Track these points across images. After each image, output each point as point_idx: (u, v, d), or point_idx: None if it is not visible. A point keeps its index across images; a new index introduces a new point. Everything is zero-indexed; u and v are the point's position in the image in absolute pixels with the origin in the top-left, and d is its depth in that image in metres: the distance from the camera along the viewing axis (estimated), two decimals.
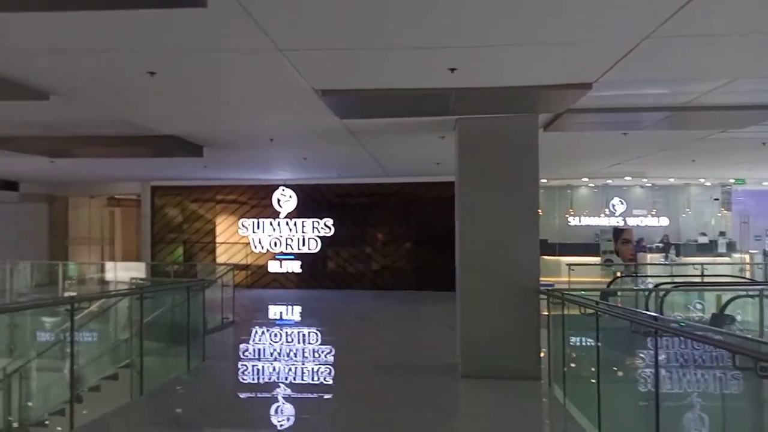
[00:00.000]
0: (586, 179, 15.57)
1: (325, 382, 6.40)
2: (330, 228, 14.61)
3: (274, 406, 5.46)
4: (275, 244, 14.77)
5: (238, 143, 8.64)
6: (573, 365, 5.67)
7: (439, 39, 3.87)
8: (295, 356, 7.76)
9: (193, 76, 4.78)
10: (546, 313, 6.19)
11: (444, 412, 5.39)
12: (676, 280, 10.52)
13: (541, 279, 6.20)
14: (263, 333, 9.45)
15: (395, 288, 14.22)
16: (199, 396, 6.02)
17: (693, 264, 11.39)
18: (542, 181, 14.90)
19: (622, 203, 16.10)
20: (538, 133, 6.23)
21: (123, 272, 12.59)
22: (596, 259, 14.58)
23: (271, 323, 10.74)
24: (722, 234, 15.44)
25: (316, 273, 14.79)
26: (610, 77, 4.70)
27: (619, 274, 12.65)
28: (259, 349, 8.29)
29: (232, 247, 15.11)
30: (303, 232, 14.68)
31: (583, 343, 5.68)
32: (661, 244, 15.31)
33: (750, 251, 15.02)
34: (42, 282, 13.56)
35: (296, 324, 10.85)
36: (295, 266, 14.74)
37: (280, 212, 14.77)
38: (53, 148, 8.79)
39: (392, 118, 6.35)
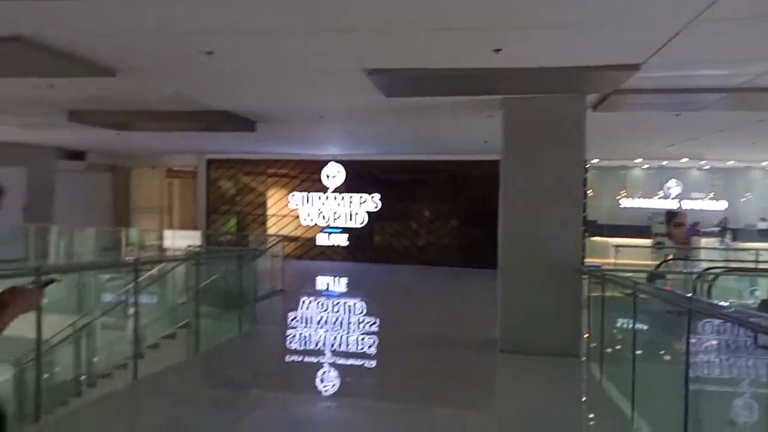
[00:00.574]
0: (640, 160, 15.15)
1: (368, 352, 6.68)
2: (377, 203, 14.85)
3: (319, 372, 5.78)
4: (323, 218, 15.15)
5: (289, 119, 8.92)
6: (613, 345, 5.72)
7: (484, 20, 3.94)
8: (340, 326, 8.08)
9: (248, 56, 5.02)
10: (588, 293, 6.24)
11: (482, 384, 5.57)
12: (730, 265, 10.22)
13: (588, 260, 6.23)
14: (310, 302, 9.84)
15: (439, 264, 14.38)
16: (250, 358, 6.42)
17: (749, 249, 11.01)
18: (593, 161, 14.63)
19: (678, 185, 15.60)
20: (585, 113, 6.19)
21: (180, 240, 13.24)
22: (646, 242, 14.26)
23: (317, 293, 11.14)
24: None
25: (363, 247, 15.10)
26: (660, 58, 4.64)
27: (669, 257, 12.36)
28: (306, 317, 8.67)
29: (282, 219, 15.59)
30: (351, 206, 14.99)
31: (624, 325, 5.72)
32: (716, 229, 14.80)
33: None
34: (106, 247, 14.41)
35: (342, 295, 11.20)
36: (342, 240, 15.10)
37: (328, 187, 15.11)
38: (117, 122, 9.29)
39: (438, 96, 6.43)
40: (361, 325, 8.15)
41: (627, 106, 6.67)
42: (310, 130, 10.12)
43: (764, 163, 14.87)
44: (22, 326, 2.13)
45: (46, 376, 4.75)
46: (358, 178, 14.97)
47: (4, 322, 1.63)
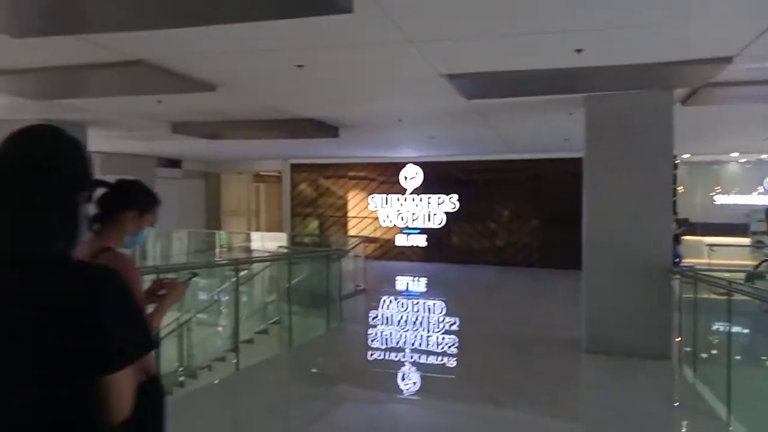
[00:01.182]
0: (736, 154, 14.26)
1: (450, 350, 6.82)
2: (455, 204, 14.92)
3: (404, 369, 5.99)
4: (402, 219, 15.40)
5: (369, 124, 9.22)
6: (707, 347, 5.53)
7: (565, 24, 4.00)
8: (423, 324, 8.27)
9: (335, 67, 5.32)
10: (680, 294, 6.05)
11: (568, 383, 5.57)
12: None
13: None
14: (391, 301, 10.10)
15: (519, 264, 14.24)
16: (339, 353, 6.74)
17: None
18: (684, 156, 13.94)
19: None
20: (672, 109, 6.02)
21: (268, 242, 13.96)
22: (744, 241, 13.42)
23: (398, 293, 11.38)
24: None
25: (441, 247, 15.22)
26: (754, 50, 4.47)
27: None
28: (389, 316, 8.93)
29: (362, 221, 16.01)
30: (429, 207, 15.15)
31: (719, 328, 5.52)
32: None
33: None
34: (199, 249, 15.39)
35: (422, 295, 11.38)
36: (420, 240, 15.29)
37: (407, 188, 15.35)
38: (211, 132, 10.00)
39: (519, 97, 6.47)
40: (442, 324, 8.29)
41: (719, 99, 6.40)
42: (390, 133, 10.39)
43: None
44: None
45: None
46: (436, 179, 15.10)
47: (163, 311, 1.94)
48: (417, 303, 10.04)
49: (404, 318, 8.71)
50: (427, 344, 7.06)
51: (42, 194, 1.18)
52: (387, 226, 15.61)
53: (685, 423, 4.93)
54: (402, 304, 9.94)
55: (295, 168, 16.77)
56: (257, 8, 3.39)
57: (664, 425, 4.66)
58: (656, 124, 5.99)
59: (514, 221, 14.70)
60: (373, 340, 7.44)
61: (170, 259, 14.67)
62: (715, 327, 5.74)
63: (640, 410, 4.67)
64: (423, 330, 7.87)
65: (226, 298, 7.49)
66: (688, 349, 5.62)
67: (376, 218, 15.71)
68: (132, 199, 2.05)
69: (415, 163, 15.20)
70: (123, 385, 1.21)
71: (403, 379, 5.62)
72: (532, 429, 4.38)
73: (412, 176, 15.30)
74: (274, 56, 4.93)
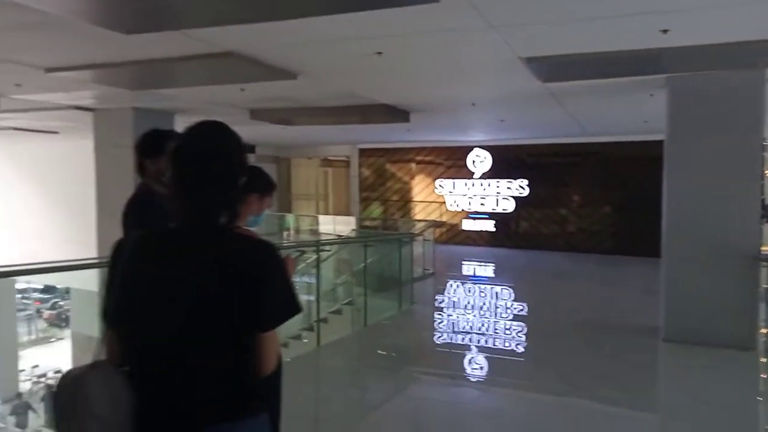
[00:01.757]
0: None
1: (522, 335, 6.86)
2: (524, 188, 14.72)
3: (477, 350, 6.11)
4: (470, 204, 15.38)
5: (441, 108, 9.27)
6: None
7: (650, 5, 3.92)
8: (493, 308, 8.33)
9: (414, 54, 5.43)
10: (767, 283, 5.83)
11: (646, 369, 5.51)
12: None
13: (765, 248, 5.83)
14: (459, 285, 10.19)
15: (591, 251, 13.91)
16: (411, 333, 6.94)
17: None
18: None
19: None
20: (764, 89, 5.74)
21: (337, 225, 14.33)
22: None
23: (466, 277, 11.45)
24: None
25: (510, 232, 15.10)
26: None
27: None
28: (459, 299, 9.04)
29: (429, 205, 16.10)
30: (497, 192, 15.04)
31: None
32: None
33: None
34: (270, 231, 15.99)
35: (491, 279, 11.39)
36: (488, 225, 15.22)
37: (474, 173, 15.28)
38: (284, 118, 10.36)
39: (598, 79, 6.35)
40: (513, 309, 8.31)
41: None
42: (461, 117, 10.39)
43: None
44: None
45: None
46: (505, 164, 14.94)
47: None
48: (485, 287, 10.08)
49: (475, 301, 8.79)
50: (500, 327, 7.13)
51: (216, 175, 1.41)
52: (454, 211, 15.62)
53: None
54: (471, 287, 10.01)
55: (364, 152, 17.03)
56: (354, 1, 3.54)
57: (748, 418, 4.55)
58: (746, 105, 5.74)
59: (586, 206, 14.36)
60: (444, 322, 7.58)
61: None
62: None
63: (722, 401, 4.58)
64: (494, 313, 7.93)
65: (303, 277, 7.83)
66: None
67: (443, 202, 15.76)
68: (255, 183, 2.27)
69: (483, 147, 15.07)
70: (273, 343, 1.41)
71: (477, 361, 5.74)
72: (610, 418, 4.35)
73: (480, 160, 15.19)
74: (355, 44, 5.09)
